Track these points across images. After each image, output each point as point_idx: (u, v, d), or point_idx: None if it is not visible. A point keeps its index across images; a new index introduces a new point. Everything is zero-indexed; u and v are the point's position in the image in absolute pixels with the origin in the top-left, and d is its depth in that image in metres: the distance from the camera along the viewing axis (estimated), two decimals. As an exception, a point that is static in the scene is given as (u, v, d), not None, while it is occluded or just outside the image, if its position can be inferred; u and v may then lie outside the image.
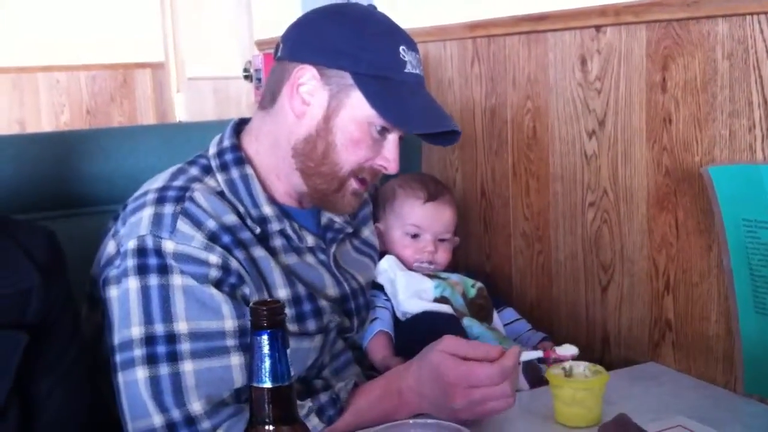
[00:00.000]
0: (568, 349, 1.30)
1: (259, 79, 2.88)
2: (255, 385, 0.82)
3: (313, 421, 1.27)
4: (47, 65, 4.74)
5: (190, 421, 1.22)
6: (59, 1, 4.67)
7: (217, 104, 4.10)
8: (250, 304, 0.82)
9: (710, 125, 1.37)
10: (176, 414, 1.22)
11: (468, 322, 1.55)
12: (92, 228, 1.48)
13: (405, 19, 2.16)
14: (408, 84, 1.35)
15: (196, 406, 1.23)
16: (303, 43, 1.37)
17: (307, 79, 1.35)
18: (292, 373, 0.83)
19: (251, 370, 0.82)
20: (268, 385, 0.81)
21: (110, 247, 1.34)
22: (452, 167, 2.07)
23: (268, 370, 0.81)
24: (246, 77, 3.21)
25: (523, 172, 1.84)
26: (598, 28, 1.57)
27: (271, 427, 0.83)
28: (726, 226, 1.33)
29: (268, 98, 1.42)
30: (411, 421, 0.96)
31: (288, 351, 0.82)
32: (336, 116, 1.34)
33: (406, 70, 1.35)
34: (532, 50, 1.76)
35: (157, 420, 1.22)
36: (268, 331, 0.80)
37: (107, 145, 1.65)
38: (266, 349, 0.80)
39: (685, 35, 1.40)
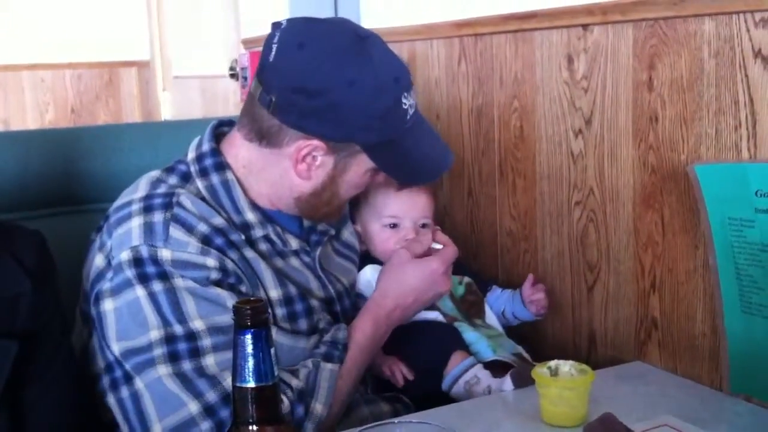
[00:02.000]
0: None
1: (245, 78, 2.87)
2: (238, 384, 0.81)
3: (327, 367, 1.32)
4: (32, 63, 4.72)
5: (228, 398, 1.21)
6: (44, -1, 4.66)
7: (204, 103, 4.08)
8: (233, 304, 0.82)
9: (696, 124, 1.37)
10: (212, 395, 1.21)
11: (459, 327, 1.54)
12: (77, 227, 1.47)
13: (392, 18, 2.17)
14: (410, 134, 1.36)
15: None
16: (308, 111, 1.29)
17: (312, 149, 1.32)
18: (276, 373, 0.82)
19: (234, 369, 0.81)
20: (251, 384, 0.81)
21: (98, 260, 1.31)
22: (439, 166, 2.06)
23: (251, 369, 0.80)
24: (232, 76, 3.20)
25: (509, 172, 1.83)
26: (585, 26, 1.57)
27: (255, 428, 0.82)
28: (712, 225, 1.33)
29: (255, 134, 1.35)
30: (396, 420, 0.96)
31: (272, 350, 0.81)
32: (342, 175, 1.37)
33: (407, 118, 1.35)
34: (519, 49, 1.75)
35: (194, 407, 1.21)
36: (252, 330, 0.80)
37: (93, 143, 1.64)
38: (250, 349, 0.80)
39: (671, 34, 1.40)
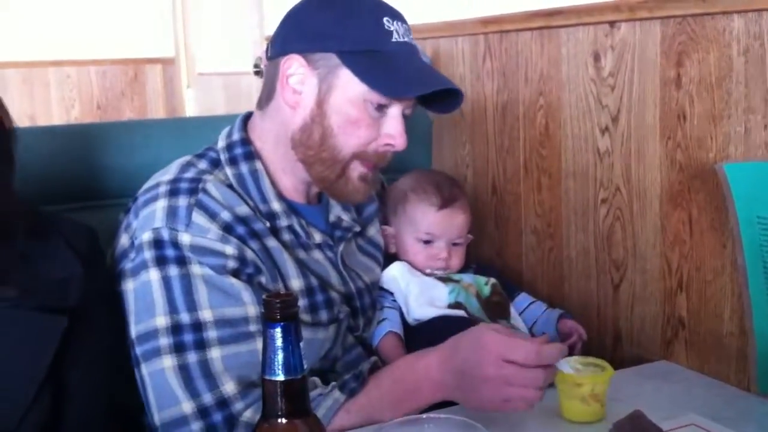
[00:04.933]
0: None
1: (269, 75, 2.88)
2: (268, 378, 0.81)
3: (335, 395, 1.26)
4: (58, 60, 4.75)
5: (223, 403, 1.22)
6: (70, -4, 4.68)
7: (228, 100, 4.10)
8: (263, 297, 0.82)
9: (725, 122, 1.36)
10: (208, 398, 1.22)
11: None
12: (101, 221, 1.47)
13: (417, 15, 2.17)
14: (397, 53, 1.33)
15: (229, 388, 1.22)
16: (288, 35, 1.37)
17: (294, 69, 1.34)
18: (305, 366, 0.82)
19: (264, 362, 0.81)
20: (281, 378, 0.81)
21: (123, 240, 1.33)
22: (463, 164, 2.07)
23: (281, 363, 0.80)
24: (256, 73, 3.21)
25: (534, 169, 1.83)
26: (612, 23, 1.56)
27: (284, 420, 0.82)
28: (740, 224, 1.32)
29: (264, 98, 1.42)
30: (425, 416, 0.95)
31: (301, 344, 0.82)
32: (329, 99, 1.33)
33: (393, 40, 1.32)
34: (545, 46, 1.75)
35: (187, 407, 1.21)
36: (282, 323, 0.80)
37: (118, 139, 1.65)
38: (279, 342, 0.80)
39: (699, 31, 1.39)
